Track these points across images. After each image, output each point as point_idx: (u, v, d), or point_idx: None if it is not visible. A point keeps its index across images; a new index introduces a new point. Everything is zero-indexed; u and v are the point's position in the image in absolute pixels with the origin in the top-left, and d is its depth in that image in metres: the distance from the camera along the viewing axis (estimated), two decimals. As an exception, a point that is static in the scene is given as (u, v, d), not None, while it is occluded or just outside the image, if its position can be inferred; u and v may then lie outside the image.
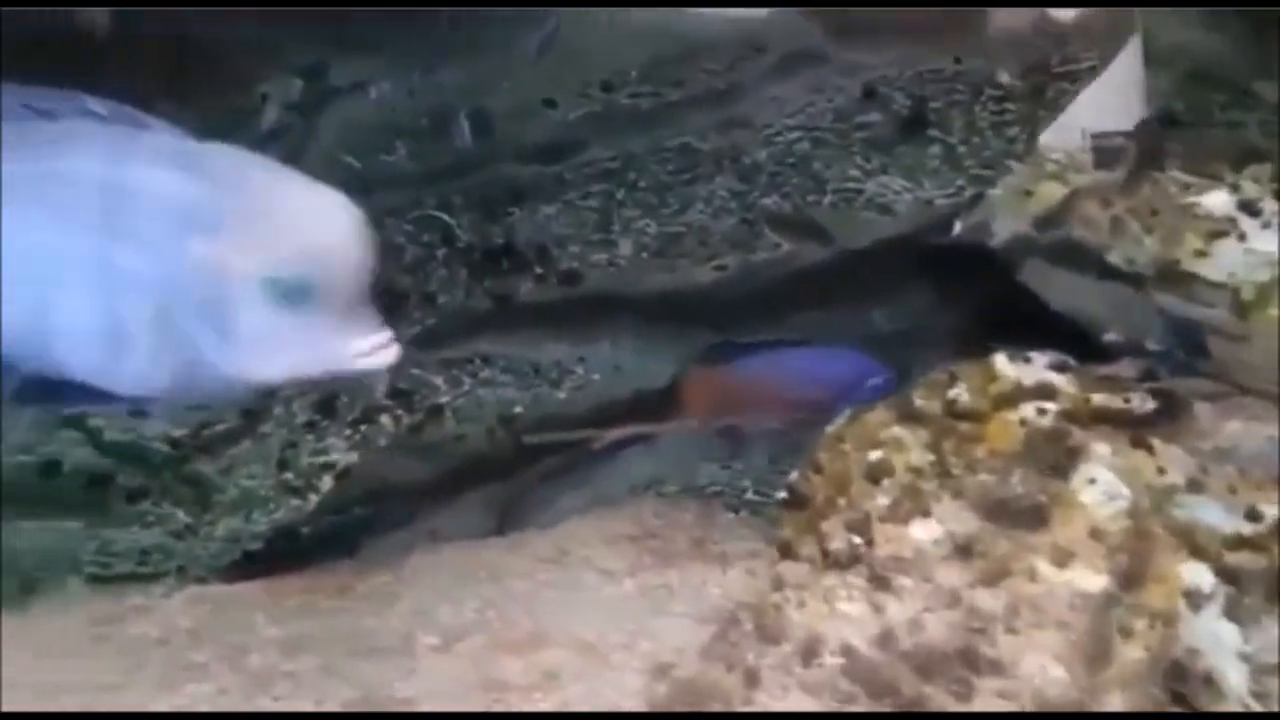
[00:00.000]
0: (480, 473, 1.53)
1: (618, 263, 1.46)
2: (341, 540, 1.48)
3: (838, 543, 1.02)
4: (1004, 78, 1.37)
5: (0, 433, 1.34)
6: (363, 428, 1.44)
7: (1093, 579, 0.97)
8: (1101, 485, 1.04)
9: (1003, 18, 1.35)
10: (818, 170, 1.44)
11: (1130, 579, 0.98)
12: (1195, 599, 0.93)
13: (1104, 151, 1.10)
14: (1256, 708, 0.89)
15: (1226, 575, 0.93)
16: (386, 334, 0.84)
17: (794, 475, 1.19)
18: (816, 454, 1.19)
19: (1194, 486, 1.00)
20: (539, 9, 1.35)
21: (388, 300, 1.01)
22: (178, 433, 1.41)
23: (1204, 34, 1.20)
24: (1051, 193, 1.13)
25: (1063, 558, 0.99)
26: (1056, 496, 1.03)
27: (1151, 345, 1.14)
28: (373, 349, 0.83)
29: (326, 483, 1.43)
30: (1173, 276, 1.07)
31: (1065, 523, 1.01)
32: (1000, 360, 1.17)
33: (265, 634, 1.20)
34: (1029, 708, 0.88)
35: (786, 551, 1.10)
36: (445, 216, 1.44)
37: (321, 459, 1.42)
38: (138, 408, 1.25)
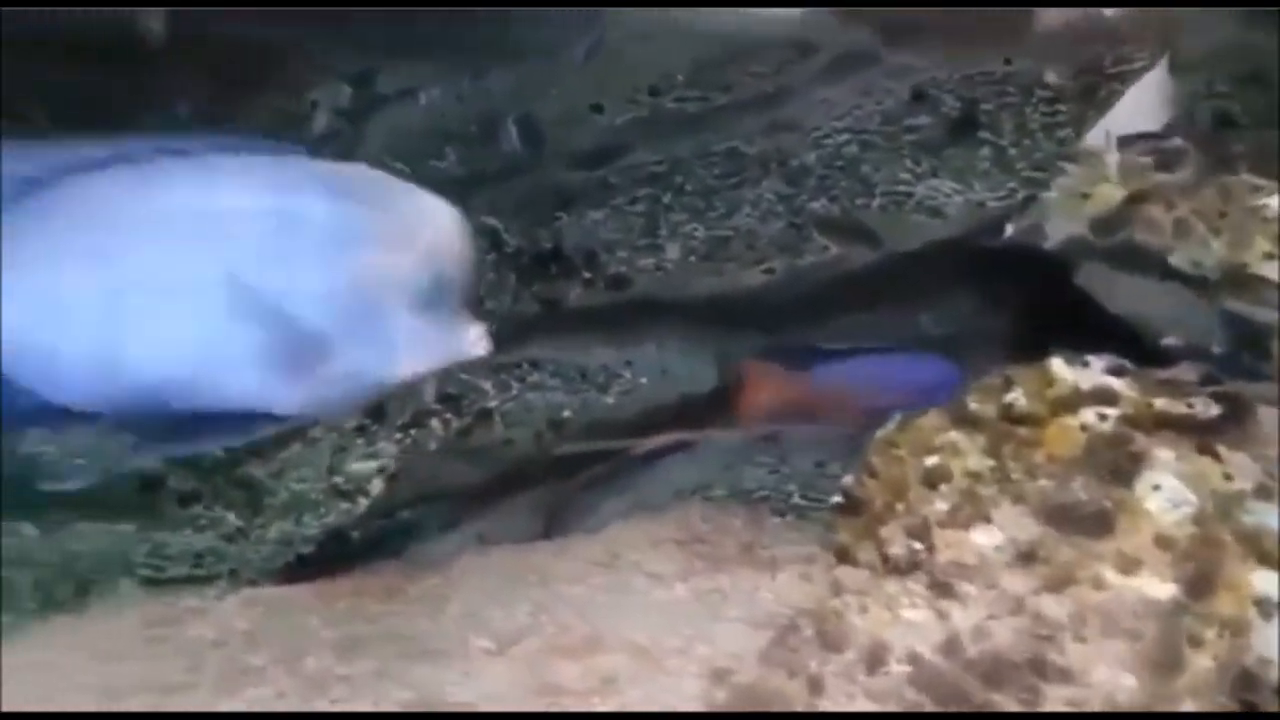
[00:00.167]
0: (527, 477, 1.53)
1: (665, 267, 1.46)
2: (389, 543, 1.49)
3: (897, 548, 1.02)
4: (1055, 78, 1.35)
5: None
6: (412, 432, 1.44)
7: (1160, 587, 0.96)
8: (1166, 492, 1.02)
9: (1050, 16, 1.34)
10: (866, 173, 1.43)
11: (1198, 587, 0.97)
12: (1265, 607, 0.92)
13: (1166, 153, 1.09)
14: (1330, 716, 0.87)
15: (1298, 583, 0.92)
16: (482, 325, 0.88)
17: (848, 480, 1.19)
18: (869, 459, 1.19)
19: (1262, 493, 0.98)
20: (585, 13, 1.34)
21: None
22: (229, 437, 1.41)
23: (1265, 36, 1.18)
24: (1110, 195, 1.12)
25: (1129, 565, 0.98)
26: (1120, 503, 1.02)
27: (1214, 349, 1.13)
28: (477, 339, 0.88)
29: (376, 486, 1.43)
30: (1240, 280, 1.06)
31: (1130, 530, 1.00)
32: (1057, 364, 1.15)
33: (320, 637, 1.21)
34: None
35: (844, 556, 1.09)
36: (493, 222, 1.44)
37: (371, 463, 1.43)
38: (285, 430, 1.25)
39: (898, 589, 0.96)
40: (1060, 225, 1.16)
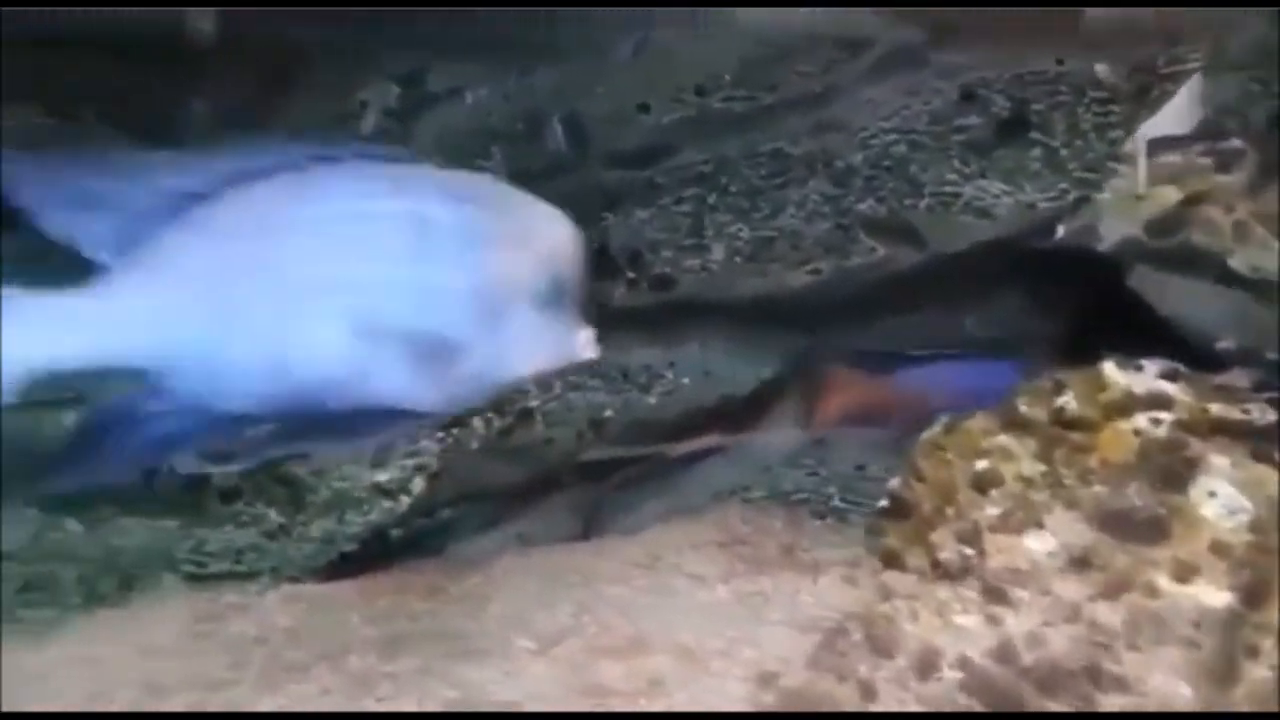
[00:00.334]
0: (566, 477, 1.53)
1: (710, 267, 1.45)
2: (429, 542, 1.49)
3: (948, 553, 1.01)
4: (1107, 75, 1.34)
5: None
6: (454, 431, 1.44)
7: (1216, 595, 0.94)
8: (1222, 498, 1.01)
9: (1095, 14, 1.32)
10: (914, 174, 1.41)
11: (1255, 596, 0.95)
12: (1326, 618, 0.90)
13: (1225, 155, 1.07)
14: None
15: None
16: (591, 329, 0.93)
17: (895, 483, 1.18)
18: (916, 462, 1.17)
19: (1321, 501, 0.96)
20: (633, 11, 1.34)
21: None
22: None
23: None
24: (1166, 196, 1.10)
25: (1185, 572, 0.96)
26: (1175, 509, 1.01)
27: (1270, 354, 1.10)
28: (587, 342, 0.92)
29: (418, 485, 1.43)
30: (1301, 284, 1.04)
31: (1186, 536, 0.98)
32: (1109, 368, 1.14)
33: (362, 634, 1.21)
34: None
35: (891, 561, 1.08)
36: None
37: (413, 461, 1.43)
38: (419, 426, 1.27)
39: (949, 594, 0.95)
40: (1115, 227, 1.14)
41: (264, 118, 1.24)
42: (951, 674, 0.87)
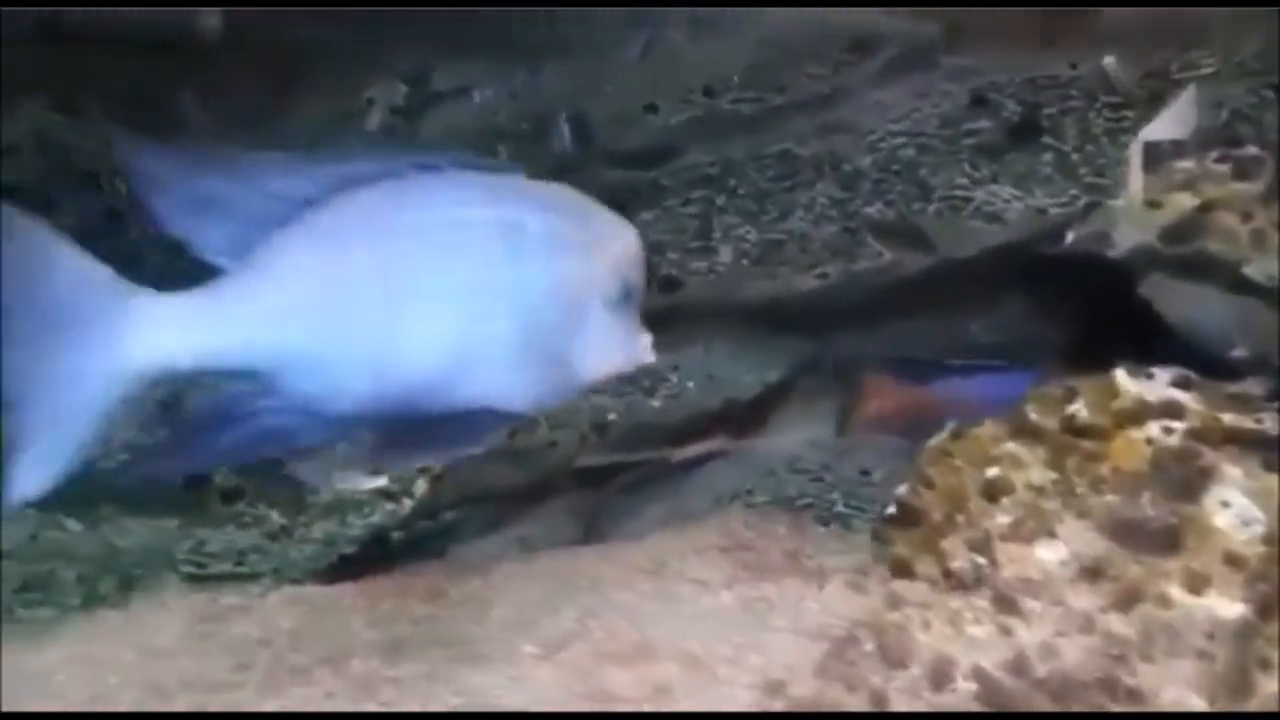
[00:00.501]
0: (570, 480, 1.52)
1: (717, 270, 1.44)
2: (430, 544, 1.48)
3: (960, 562, 1.00)
4: (1115, 72, 1.33)
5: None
6: (457, 432, 1.43)
7: (1230, 607, 0.93)
8: (1235, 509, 1.00)
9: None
10: (923, 177, 1.40)
11: (1268, 608, 0.94)
12: (1341, 631, 0.89)
13: (1243, 162, 1.06)
14: None
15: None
16: (649, 334, 0.95)
17: (902, 490, 1.17)
18: (924, 469, 1.16)
19: (1336, 513, 0.96)
20: (641, 12, 1.33)
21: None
22: (274, 434, 1.41)
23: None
24: (1182, 203, 1.09)
25: (1198, 583, 0.95)
26: (1188, 520, 1.00)
27: (1283, 363, 1.10)
28: (647, 346, 0.95)
29: (420, 487, 1.42)
30: (1320, 293, 1.03)
31: (1198, 547, 0.98)
32: (1121, 376, 1.13)
33: (365, 637, 1.19)
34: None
35: (901, 569, 1.07)
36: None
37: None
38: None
39: (961, 604, 0.94)
40: (1129, 233, 1.13)
41: (271, 114, 1.23)
42: (966, 685, 0.86)
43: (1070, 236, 1.29)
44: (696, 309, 1.46)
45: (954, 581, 0.98)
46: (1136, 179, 1.21)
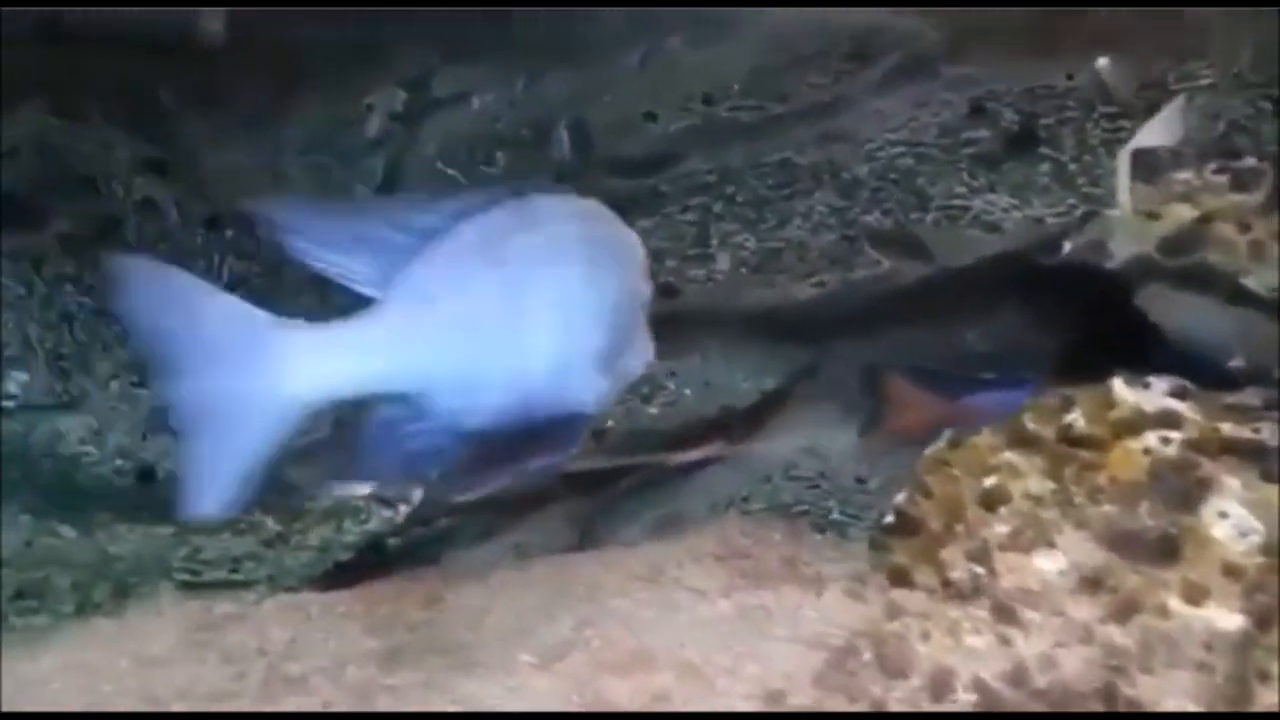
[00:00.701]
0: (566, 487, 1.52)
1: (715, 278, 1.44)
2: (425, 551, 1.48)
3: (959, 572, 1.00)
4: (1109, 77, 1.33)
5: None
6: (453, 439, 1.43)
7: (1228, 618, 0.94)
8: (1233, 520, 1.00)
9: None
10: (921, 186, 1.41)
11: (1266, 619, 0.94)
12: (1340, 642, 0.89)
13: (1242, 173, 1.07)
14: None
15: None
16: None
17: (900, 498, 1.17)
18: (922, 477, 1.16)
19: (1334, 523, 0.96)
20: (643, 19, 1.33)
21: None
22: (270, 440, 1.40)
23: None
24: (1181, 214, 1.10)
25: (1196, 594, 0.95)
26: (1186, 530, 1.00)
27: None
28: (653, 349, 1.01)
29: (417, 494, 1.42)
30: (1320, 304, 1.04)
31: (1196, 558, 0.98)
32: (1119, 385, 1.13)
33: (362, 646, 1.19)
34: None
35: (899, 578, 1.07)
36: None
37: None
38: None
39: (960, 614, 0.94)
40: (1126, 244, 1.14)
41: (271, 119, 1.23)
42: (966, 696, 0.86)
43: (1067, 246, 1.29)
44: (694, 316, 1.46)
45: (953, 591, 0.98)
46: (1125, 188, 1.21)
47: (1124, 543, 1.00)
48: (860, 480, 1.55)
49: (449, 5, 1.26)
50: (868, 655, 0.93)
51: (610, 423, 1.48)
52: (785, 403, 1.54)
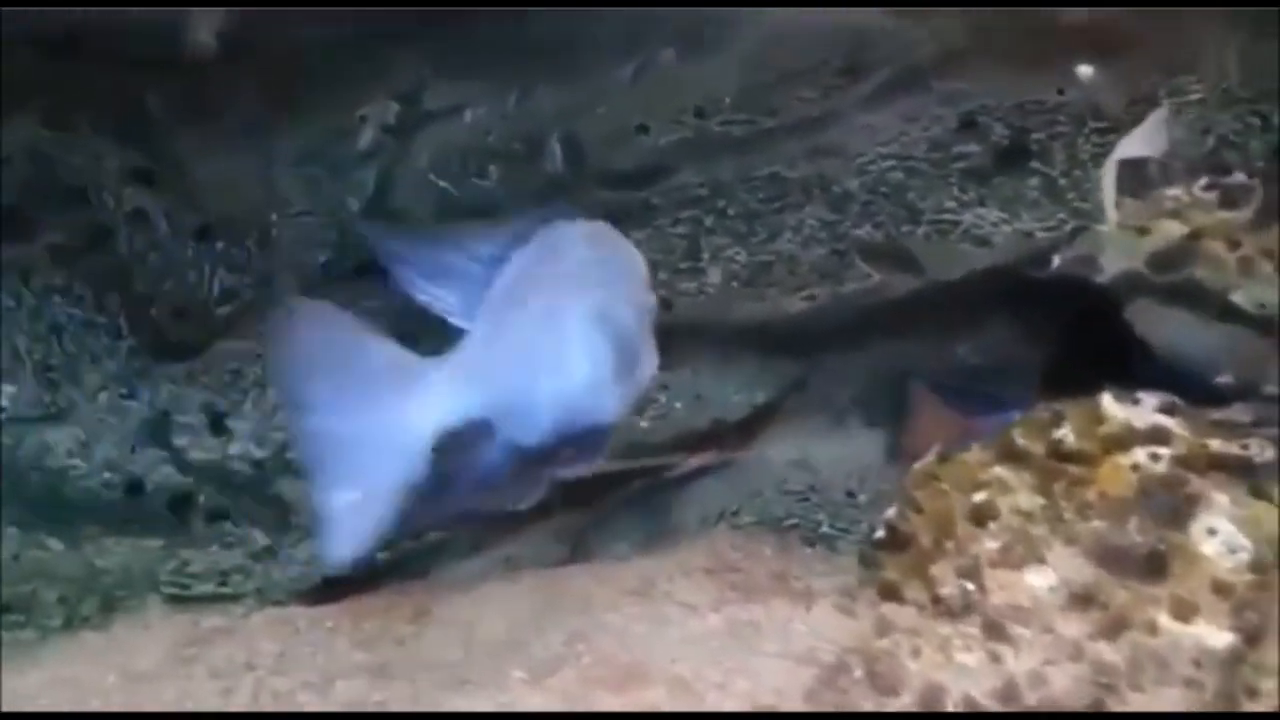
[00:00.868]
0: (556, 499, 1.51)
1: (706, 291, 1.44)
2: (415, 564, 1.47)
3: (949, 589, 1.00)
4: (1091, 81, 1.34)
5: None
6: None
7: (1218, 635, 0.94)
8: (1222, 536, 1.01)
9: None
10: (911, 200, 1.41)
11: (1255, 636, 0.94)
12: (1328, 659, 0.90)
13: (1232, 190, 1.07)
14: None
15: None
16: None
17: (891, 513, 1.17)
18: (911, 492, 1.17)
19: (1322, 540, 0.96)
20: (636, 33, 1.34)
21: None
22: (260, 454, 1.40)
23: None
24: (1170, 230, 1.10)
25: (1185, 611, 0.96)
26: (1175, 547, 1.00)
27: (1270, 389, 1.11)
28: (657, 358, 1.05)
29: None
30: (1308, 320, 1.04)
31: (1185, 574, 0.98)
32: (1108, 401, 1.13)
33: (351, 660, 1.19)
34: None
35: (889, 593, 1.07)
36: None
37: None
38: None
39: (950, 631, 0.94)
40: (1116, 259, 1.14)
41: (263, 131, 1.22)
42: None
43: (1057, 261, 1.29)
44: (685, 329, 1.46)
45: (943, 607, 0.98)
46: (1111, 199, 1.22)
47: (1113, 559, 1.00)
48: (850, 494, 1.55)
49: (448, 6, 1.26)
50: (858, 672, 0.93)
51: (601, 436, 1.48)
52: (776, 415, 1.54)
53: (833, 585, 1.35)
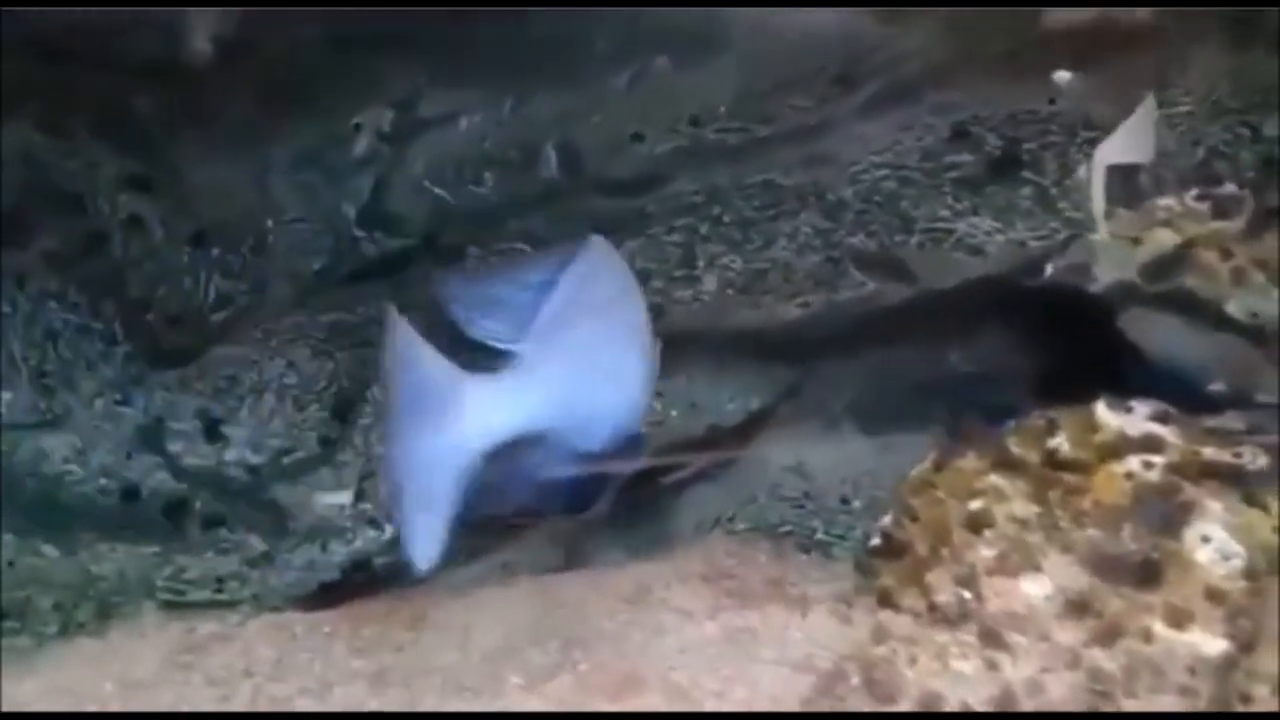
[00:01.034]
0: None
1: (702, 298, 1.45)
2: (412, 571, 1.47)
3: (945, 596, 1.00)
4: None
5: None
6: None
7: (1212, 642, 0.94)
8: (1215, 544, 1.01)
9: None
10: (905, 209, 1.42)
11: (1249, 643, 0.95)
12: (1321, 666, 0.91)
13: (1222, 200, 1.08)
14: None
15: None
16: None
17: (887, 521, 1.17)
18: (907, 499, 1.17)
19: (1315, 547, 0.97)
20: (632, 41, 1.34)
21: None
22: (256, 460, 1.40)
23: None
24: (1162, 240, 1.11)
25: (1179, 618, 0.96)
26: (1169, 554, 1.01)
27: (1262, 398, 1.11)
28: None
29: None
30: (1301, 329, 1.05)
31: (1179, 582, 0.99)
32: (1102, 409, 1.14)
33: (348, 666, 1.19)
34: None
35: (886, 601, 1.08)
36: (528, 249, 1.43)
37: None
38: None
39: (947, 638, 0.95)
40: (1109, 269, 1.15)
41: (259, 139, 1.22)
42: (953, 722, 0.87)
43: (1050, 269, 1.30)
44: (680, 337, 1.46)
45: (939, 615, 0.98)
46: (1098, 197, 1.23)
47: (1108, 567, 1.01)
48: (844, 500, 1.56)
49: (447, 6, 1.26)
50: (856, 680, 0.93)
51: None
52: (770, 422, 1.54)
53: (829, 592, 1.35)
